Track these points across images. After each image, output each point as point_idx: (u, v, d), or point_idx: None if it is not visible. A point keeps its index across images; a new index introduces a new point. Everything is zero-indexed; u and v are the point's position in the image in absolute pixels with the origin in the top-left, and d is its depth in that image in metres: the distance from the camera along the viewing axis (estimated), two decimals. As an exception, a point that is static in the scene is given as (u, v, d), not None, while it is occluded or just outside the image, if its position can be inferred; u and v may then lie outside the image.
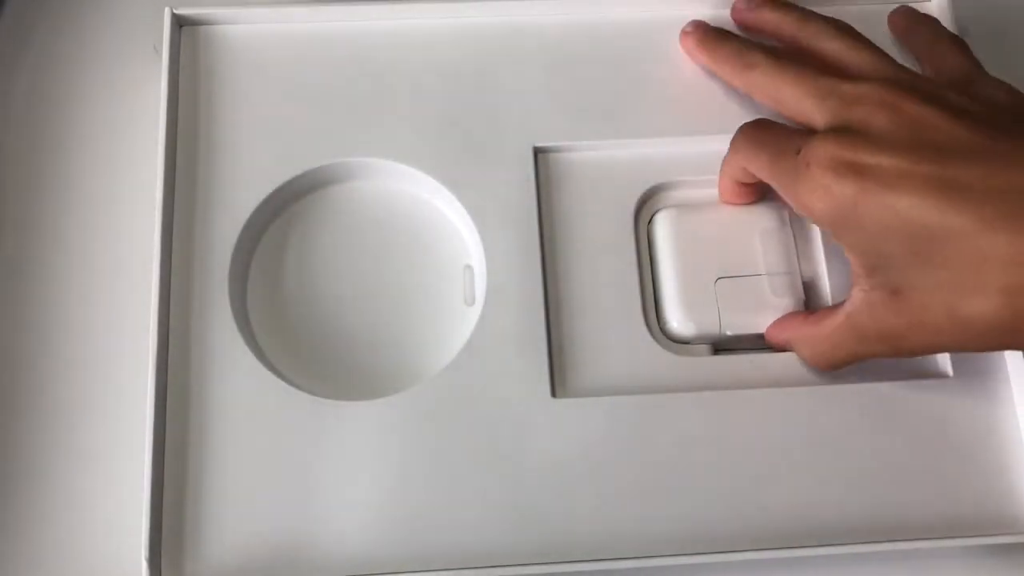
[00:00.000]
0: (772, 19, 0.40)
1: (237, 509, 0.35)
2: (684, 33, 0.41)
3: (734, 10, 0.42)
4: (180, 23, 0.41)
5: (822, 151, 0.32)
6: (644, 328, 0.38)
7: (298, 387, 0.37)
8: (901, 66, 0.36)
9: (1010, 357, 0.38)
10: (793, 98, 0.36)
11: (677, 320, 0.38)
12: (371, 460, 0.36)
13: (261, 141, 0.39)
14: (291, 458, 0.36)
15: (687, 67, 0.41)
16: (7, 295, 0.39)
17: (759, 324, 0.38)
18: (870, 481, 0.36)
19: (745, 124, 0.37)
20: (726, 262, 0.38)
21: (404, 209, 0.40)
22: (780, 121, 0.36)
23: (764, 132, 0.36)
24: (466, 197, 0.39)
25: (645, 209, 0.40)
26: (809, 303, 0.38)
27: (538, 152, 0.40)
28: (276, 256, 0.39)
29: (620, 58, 0.41)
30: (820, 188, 0.32)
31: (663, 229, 0.39)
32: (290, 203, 0.40)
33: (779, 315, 0.38)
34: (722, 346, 0.38)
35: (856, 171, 0.31)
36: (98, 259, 0.40)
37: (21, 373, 0.38)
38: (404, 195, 0.40)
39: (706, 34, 0.40)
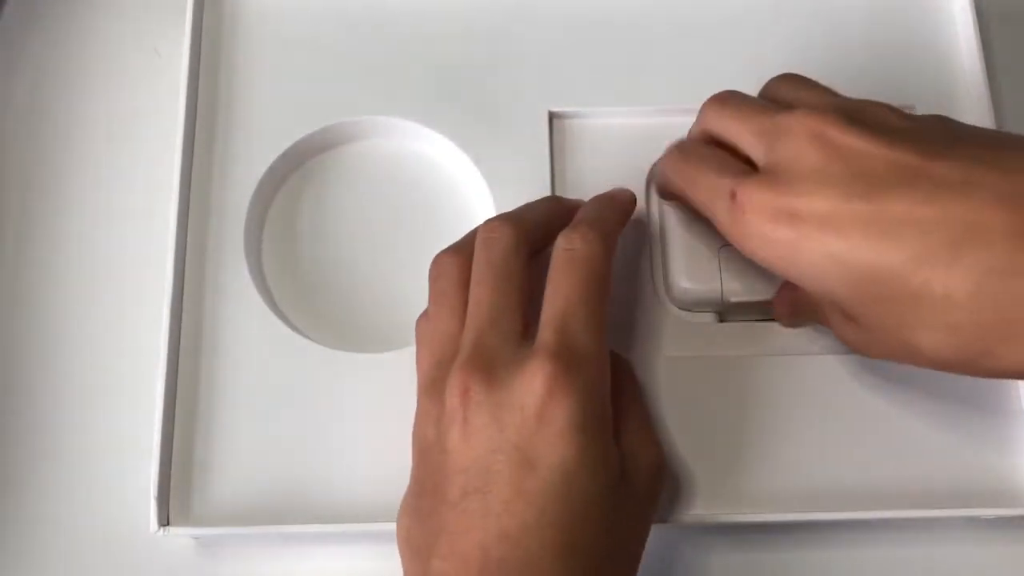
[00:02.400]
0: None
1: (245, 454, 0.36)
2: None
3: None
4: (204, -19, 0.41)
5: (757, 199, 0.31)
6: (653, 294, 0.38)
7: (309, 337, 0.37)
8: (835, 94, 0.34)
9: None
10: (736, 136, 0.34)
11: (681, 287, 0.38)
12: (379, 410, 0.36)
13: (280, 97, 0.40)
14: (300, 406, 0.36)
15: (703, 35, 0.42)
16: (27, 238, 0.40)
17: (761, 292, 0.38)
18: (872, 451, 0.36)
19: (671, 154, 0.36)
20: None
21: (419, 168, 0.41)
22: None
23: (694, 169, 0.35)
24: (480, 158, 0.39)
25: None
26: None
27: (553, 117, 0.40)
28: (292, 209, 0.40)
29: (638, 25, 0.42)
30: (757, 236, 0.31)
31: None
32: (307, 158, 0.41)
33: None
34: (728, 315, 0.39)
35: (791, 218, 0.30)
36: (116, 209, 0.41)
37: (33, 316, 0.39)
38: (419, 154, 0.41)
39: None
